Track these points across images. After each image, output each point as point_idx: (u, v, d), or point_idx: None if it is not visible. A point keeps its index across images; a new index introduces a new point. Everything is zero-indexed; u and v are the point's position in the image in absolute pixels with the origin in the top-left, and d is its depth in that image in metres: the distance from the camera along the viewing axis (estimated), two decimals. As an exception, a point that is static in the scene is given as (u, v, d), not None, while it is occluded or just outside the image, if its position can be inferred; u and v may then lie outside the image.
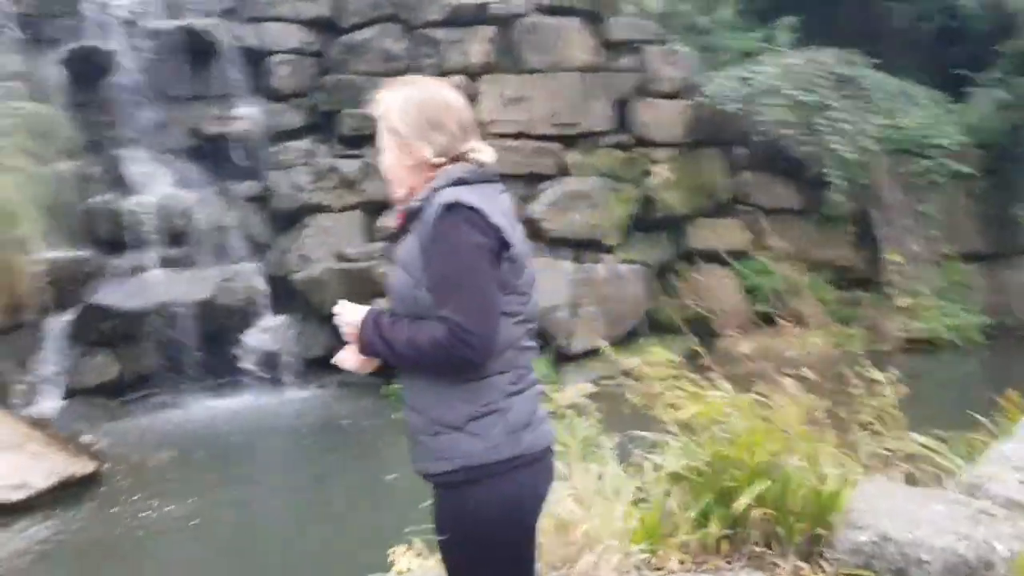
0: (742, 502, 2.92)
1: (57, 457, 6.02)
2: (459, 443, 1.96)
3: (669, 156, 9.74)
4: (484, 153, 2.05)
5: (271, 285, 8.59)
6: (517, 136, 9.13)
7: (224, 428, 7.59)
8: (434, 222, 1.91)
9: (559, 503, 2.85)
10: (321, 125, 9.25)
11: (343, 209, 8.80)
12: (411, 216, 2.02)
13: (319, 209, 8.73)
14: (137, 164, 8.65)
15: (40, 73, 8.12)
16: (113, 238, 8.19)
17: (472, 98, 9.13)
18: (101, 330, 7.87)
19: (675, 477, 3.15)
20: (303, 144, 9.07)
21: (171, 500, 5.87)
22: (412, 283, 1.97)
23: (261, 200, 8.97)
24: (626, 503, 2.97)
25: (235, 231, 8.72)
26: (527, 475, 1.99)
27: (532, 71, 9.28)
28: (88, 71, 8.51)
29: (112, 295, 7.90)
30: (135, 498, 5.89)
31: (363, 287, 8.32)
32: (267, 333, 8.47)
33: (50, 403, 7.66)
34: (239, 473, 6.57)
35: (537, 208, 8.94)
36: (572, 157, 9.38)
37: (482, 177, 2.02)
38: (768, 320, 7.24)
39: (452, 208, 1.89)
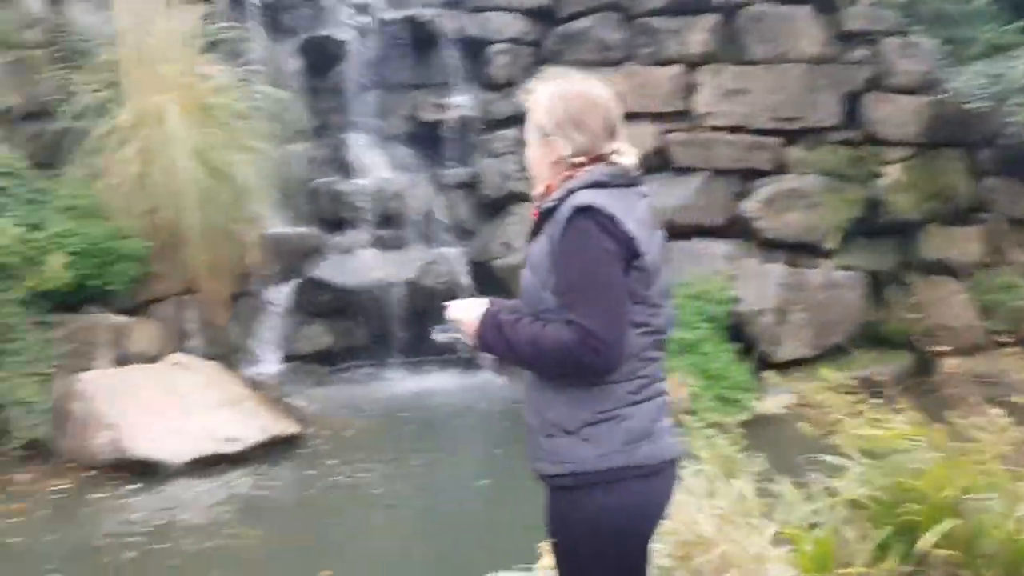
0: (928, 539, 2.61)
1: (267, 416, 6.47)
2: (572, 448, 1.92)
3: (902, 156, 8.95)
4: (627, 156, 1.98)
5: (473, 270, 8.79)
6: (734, 129, 8.75)
7: (421, 404, 7.86)
8: (565, 224, 1.87)
9: (694, 522, 2.68)
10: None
11: (544, 199, 8.81)
12: (545, 215, 1.97)
13: (524, 198, 8.80)
14: (359, 148, 9.12)
15: (278, 60, 8.73)
16: (334, 217, 8.69)
17: (689, 89, 8.87)
18: (318, 303, 8.40)
19: (853, 504, 2.88)
20: (513, 133, 9.17)
21: (365, 466, 6.15)
22: (539, 284, 1.94)
23: (469, 187, 9.17)
24: (774, 528, 2.73)
25: (443, 216, 9.00)
26: (640, 486, 1.93)
27: (754, 62, 8.85)
28: (321, 59, 9.06)
29: (329, 270, 8.39)
30: (332, 462, 6.23)
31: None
32: (466, 318, 8.66)
33: (269, 367, 8.27)
34: (430, 447, 6.77)
35: (750, 206, 8.53)
36: (793, 153, 8.86)
37: (622, 181, 1.96)
38: (1003, 342, 6.51)
39: (585, 211, 1.85)
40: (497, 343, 1.97)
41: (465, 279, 8.75)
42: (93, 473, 5.94)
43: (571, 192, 1.91)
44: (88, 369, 6.63)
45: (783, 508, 2.97)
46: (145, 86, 7.20)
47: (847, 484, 2.86)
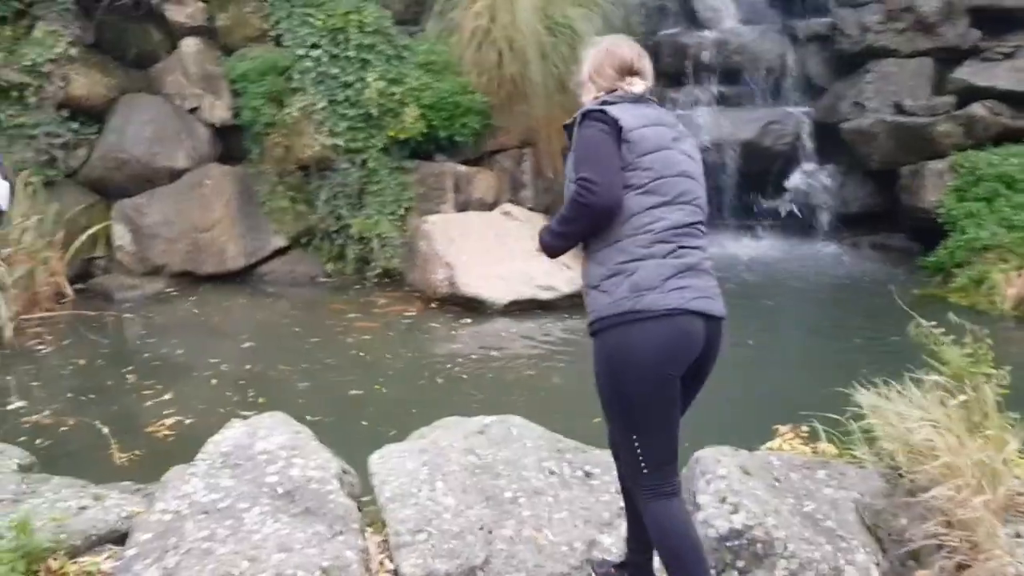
0: None
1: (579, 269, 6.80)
2: (596, 299, 2.41)
3: None
4: (636, 86, 2.57)
5: (817, 132, 8.24)
6: None
7: (748, 267, 7.75)
8: (575, 125, 2.48)
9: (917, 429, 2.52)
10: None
11: (912, 55, 7.88)
12: (569, 131, 2.52)
13: (884, 53, 7.94)
14: (708, -2, 8.78)
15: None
16: (675, 71, 8.53)
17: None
18: (652, 159, 8.43)
19: None
20: (880, -22, 8.21)
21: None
22: (568, 181, 2.46)
23: (823, 40, 8.45)
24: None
25: (792, 72, 8.44)
26: (646, 329, 2.31)
27: None
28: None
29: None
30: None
31: (915, 146, 7.54)
32: (806, 182, 8.23)
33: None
34: (751, 313, 6.69)
35: None
36: None
37: (627, 99, 2.51)
38: None
39: (585, 114, 2.46)
40: (547, 239, 2.52)
41: (808, 141, 8.26)
42: (433, 305, 6.74)
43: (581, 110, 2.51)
44: (436, 211, 7.42)
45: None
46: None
47: None
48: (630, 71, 2.61)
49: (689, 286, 2.36)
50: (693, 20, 8.72)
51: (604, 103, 2.49)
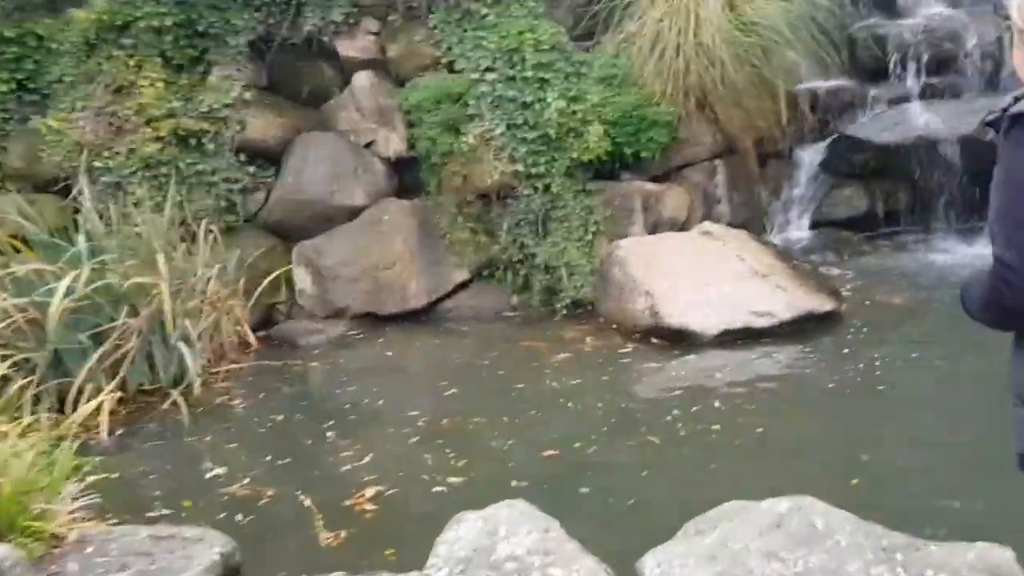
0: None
1: (799, 289, 6.10)
2: (1020, 422, 1.75)
3: None
4: None
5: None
6: None
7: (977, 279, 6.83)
8: (1002, 137, 1.62)
9: None
10: None
11: None
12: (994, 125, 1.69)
13: None
14: (907, -18, 7.92)
15: None
16: (875, 66, 7.70)
17: None
18: (853, 162, 7.65)
19: None
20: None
21: (910, 355, 5.48)
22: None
23: (1053, 15, 7.43)
24: None
25: (1009, 58, 7.47)
26: None
27: None
28: None
29: (868, 127, 7.53)
30: (872, 345, 5.66)
31: None
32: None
33: (796, 233, 7.85)
34: (974, 332, 5.81)
35: None
36: None
37: None
38: None
39: (1018, 121, 1.57)
40: (965, 302, 1.88)
41: (1038, 131, 7.27)
42: (634, 337, 6.17)
43: (1018, 99, 1.63)
44: (624, 234, 6.88)
45: None
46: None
47: None
48: None
49: None
50: (891, 9, 7.87)
51: None
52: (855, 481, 3.99)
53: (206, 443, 5.23)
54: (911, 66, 7.55)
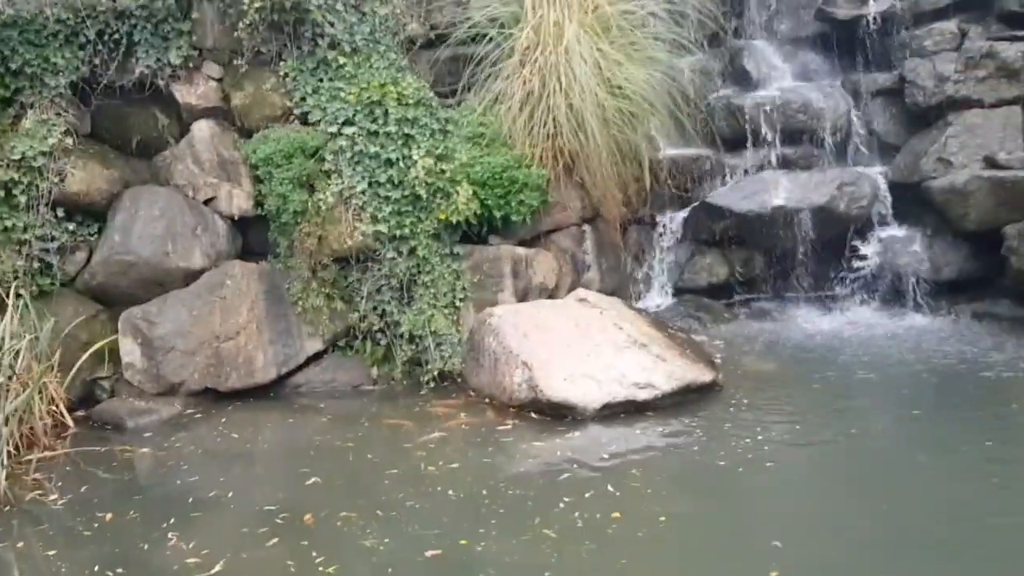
0: None
1: (678, 361, 5.89)
2: None
3: None
4: None
5: (894, 193, 7.53)
6: None
7: (830, 346, 6.88)
8: None
9: None
10: (974, 1, 7.66)
11: (997, 104, 7.25)
12: None
13: (966, 104, 7.31)
14: (758, 56, 8.11)
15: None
16: (732, 135, 7.80)
17: None
18: (713, 230, 7.66)
19: None
20: (950, 25, 7.63)
21: (790, 426, 5.35)
22: None
23: (892, 94, 7.81)
24: None
25: (860, 130, 7.78)
26: None
27: None
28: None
29: (727, 195, 7.57)
30: (751, 417, 5.49)
31: (1018, 202, 6.83)
32: (887, 247, 7.48)
33: (659, 299, 7.76)
34: (844, 399, 5.81)
35: None
36: None
37: None
38: None
39: None
40: None
41: (885, 203, 7.55)
42: (510, 411, 5.75)
43: None
44: (493, 301, 6.50)
45: None
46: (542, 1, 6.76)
47: None
48: None
49: None
50: (746, 81, 8.03)
51: None
52: (775, 575, 3.70)
53: (17, 551, 4.33)
54: (767, 136, 7.70)
